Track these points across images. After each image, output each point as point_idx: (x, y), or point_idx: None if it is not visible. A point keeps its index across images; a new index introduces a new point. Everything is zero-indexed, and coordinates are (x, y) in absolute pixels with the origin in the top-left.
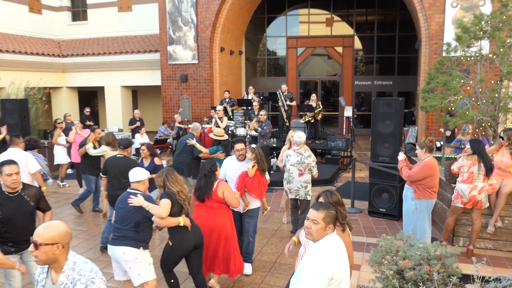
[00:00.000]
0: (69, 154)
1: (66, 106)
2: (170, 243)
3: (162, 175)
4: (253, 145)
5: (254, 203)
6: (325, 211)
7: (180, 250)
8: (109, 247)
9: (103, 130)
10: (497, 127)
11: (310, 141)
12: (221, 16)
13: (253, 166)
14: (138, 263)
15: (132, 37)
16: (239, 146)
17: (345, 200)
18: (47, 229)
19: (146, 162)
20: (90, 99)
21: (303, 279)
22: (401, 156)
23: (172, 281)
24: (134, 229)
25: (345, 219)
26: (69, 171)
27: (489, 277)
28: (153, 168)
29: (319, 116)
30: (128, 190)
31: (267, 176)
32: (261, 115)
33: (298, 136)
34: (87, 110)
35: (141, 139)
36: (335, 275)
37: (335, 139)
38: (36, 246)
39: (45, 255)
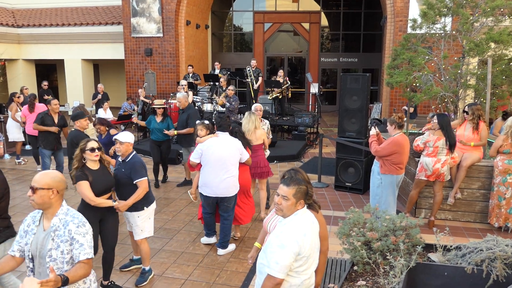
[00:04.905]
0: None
1: (22, 80)
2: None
3: None
4: (206, 121)
5: None
6: (296, 187)
7: None
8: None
9: (62, 105)
10: (458, 102)
11: (277, 117)
12: None
13: None
14: None
15: (93, 8)
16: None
17: (312, 175)
18: (43, 175)
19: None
20: (48, 72)
21: (270, 253)
22: (373, 131)
23: None
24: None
25: (310, 198)
26: (28, 147)
27: (450, 246)
28: (109, 140)
29: (289, 93)
30: None
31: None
32: (229, 90)
33: (253, 107)
34: (45, 84)
35: (104, 114)
36: (302, 250)
37: (301, 115)
38: (34, 190)
39: (41, 199)
